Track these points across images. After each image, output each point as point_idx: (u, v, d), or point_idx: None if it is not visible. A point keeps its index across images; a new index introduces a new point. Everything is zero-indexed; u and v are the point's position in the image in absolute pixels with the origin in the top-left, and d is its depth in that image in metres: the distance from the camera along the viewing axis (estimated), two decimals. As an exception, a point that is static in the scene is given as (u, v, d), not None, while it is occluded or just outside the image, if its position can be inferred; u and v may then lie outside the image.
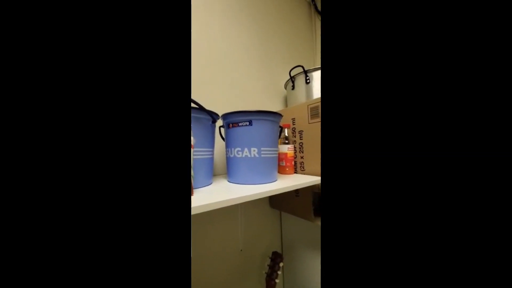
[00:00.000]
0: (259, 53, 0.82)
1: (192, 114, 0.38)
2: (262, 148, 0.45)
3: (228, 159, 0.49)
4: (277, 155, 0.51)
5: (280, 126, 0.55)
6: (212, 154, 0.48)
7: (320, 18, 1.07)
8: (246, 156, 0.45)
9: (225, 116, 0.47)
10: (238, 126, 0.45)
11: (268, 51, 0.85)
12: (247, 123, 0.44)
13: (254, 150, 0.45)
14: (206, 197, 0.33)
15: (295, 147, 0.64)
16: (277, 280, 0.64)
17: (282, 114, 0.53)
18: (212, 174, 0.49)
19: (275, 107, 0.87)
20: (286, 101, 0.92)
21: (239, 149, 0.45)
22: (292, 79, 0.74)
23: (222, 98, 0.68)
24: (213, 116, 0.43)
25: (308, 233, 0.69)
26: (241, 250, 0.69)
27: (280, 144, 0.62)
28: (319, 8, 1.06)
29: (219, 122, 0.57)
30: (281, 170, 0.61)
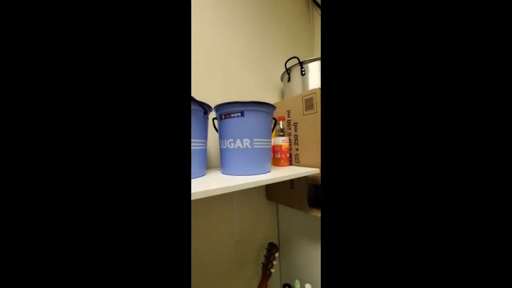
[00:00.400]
0: (254, 44, 0.81)
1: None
2: (254, 139, 0.45)
3: (221, 151, 0.49)
4: (270, 146, 0.51)
5: (275, 118, 0.55)
6: (205, 146, 0.48)
7: (318, 9, 1.05)
8: (238, 147, 0.45)
9: (218, 107, 0.47)
10: (230, 117, 0.45)
11: (264, 43, 0.84)
12: (239, 114, 0.44)
13: (246, 141, 0.45)
14: (197, 186, 0.33)
15: (290, 139, 0.64)
16: (272, 270, 0.65)
17: (277, 106, 0.53)
18: (205, 165, 0.49)
19: (272, 100, 0.86)
20: (282, 94, 0.92)
21: (232, 140, 0.45)
22: (288, 71, 0.73)
23: (216, 90, 0.68)
24: (205, 108, 0.43)
25: (304, 224, 0.70)
26: (237, 241, 0.70)
27: (275, 136, 0.62)
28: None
29: (213, 115, 0.57)
30: (276, 162, 0.62)
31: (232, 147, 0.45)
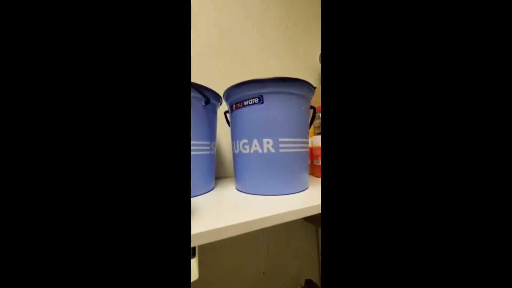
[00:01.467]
0: (282, 17, 0.63)
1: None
2: (280, 139, 0.29)
3: (234, 157, 0.34)
4: (307, 149, 0.33)
5: (313, 108, 0.37)
6: (212, 150, 0.34)
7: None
8: (256, 151, 0.29)
9: (227, 93, 0.32)
10: (243, 106, 0.30)
11: (294, 14, 0.66)
12: (256, 100, 0.29)
13: (268, 143, 0.28)
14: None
15: (336, 139, 0.44)
16: (312, 324, 0.47)
17: (315, 92, 0.35)
18: (214, 176, 0.36)
19: (307, 89, 0.67)
20: (321, 78, 0.71)
21: (246, 141, 0.30)
22: (330, 44, 0.53)
23: (233, 76, 0.54)
24: (206, 94, 0.29)
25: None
26: (263, 272, 0.54)
27: (313, 135, 0.43)
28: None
29: (225, 107, 0.44)
30: (316, 172, 0.43)
31: (246, 151, 0.30)
